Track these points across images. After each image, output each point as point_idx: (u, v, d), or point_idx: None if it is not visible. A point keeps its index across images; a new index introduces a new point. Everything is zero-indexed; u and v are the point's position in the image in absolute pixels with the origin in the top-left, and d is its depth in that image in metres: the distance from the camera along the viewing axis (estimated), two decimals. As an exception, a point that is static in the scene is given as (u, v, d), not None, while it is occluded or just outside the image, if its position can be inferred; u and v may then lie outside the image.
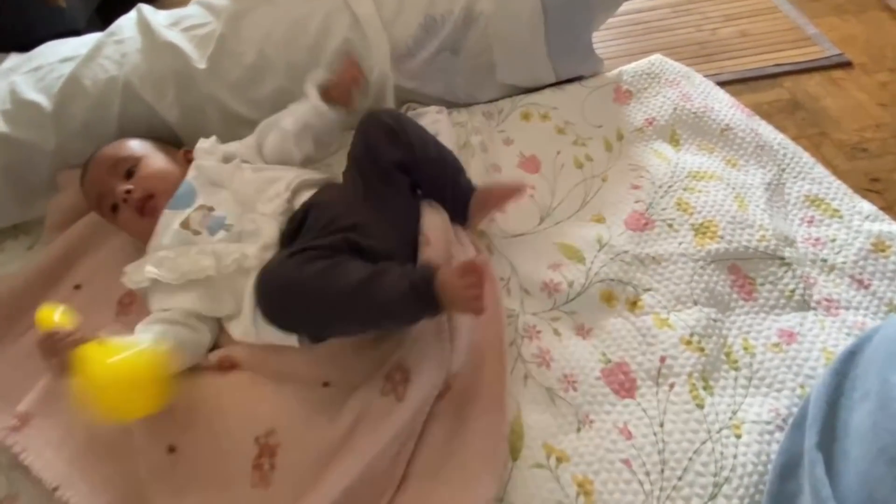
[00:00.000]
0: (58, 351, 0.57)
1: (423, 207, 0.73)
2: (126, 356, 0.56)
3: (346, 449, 0.58)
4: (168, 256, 0.67)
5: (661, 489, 0.56)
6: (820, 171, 0.81)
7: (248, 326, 0.65)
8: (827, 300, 0.68)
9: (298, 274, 0.57)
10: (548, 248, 0.75)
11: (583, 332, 0.67)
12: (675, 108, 0.89)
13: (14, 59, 0.91)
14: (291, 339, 0.64)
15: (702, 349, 0.64)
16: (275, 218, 0.68)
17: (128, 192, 0.71)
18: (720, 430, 0.58)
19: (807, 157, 0.82)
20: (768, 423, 0.58)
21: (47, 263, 0.78)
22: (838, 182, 0.79)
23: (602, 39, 1.20)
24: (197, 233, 0.69)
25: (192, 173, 0.74)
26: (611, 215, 0.77)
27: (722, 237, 0.72)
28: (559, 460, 0.58)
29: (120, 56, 0.86)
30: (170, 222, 0.70)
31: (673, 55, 0.98)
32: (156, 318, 0.65)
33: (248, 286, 0.64)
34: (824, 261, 0.72)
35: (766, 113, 0.94)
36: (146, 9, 0.92)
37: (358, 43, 0.88)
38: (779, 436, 0.57)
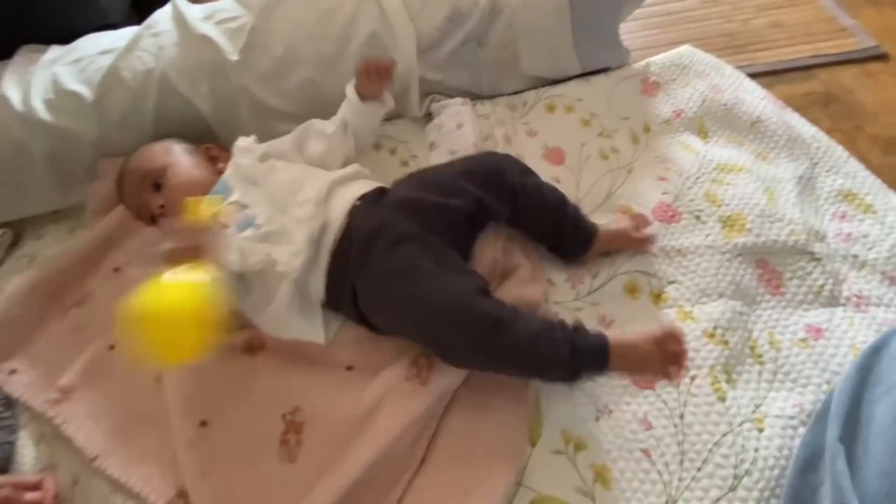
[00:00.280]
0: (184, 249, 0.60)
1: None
2: (185, 286, 0.56)
3: (369, 429, 0.59)
4: None
5: (681, 479, 0.56)
6: (854, 165, 0.79)
7: (278, 324, 0.67)
8: (857, 296, 0.67)
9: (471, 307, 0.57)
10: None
11: (605, 323, 0.68)
12: (704, 100, 0.88)
13: (55, 50, 0.95)
14: (318, 336, 0.66)
15: (725, 342, 0.63)
16: (304, 223, 0.67)
17: (161, 206, 0.74)
18: (742, 423, 0.58)
19: (840, 151, 0.80)
20: (792, 417, 0.58)
21: (89, 247, 0.82)
22: (872, 177, 0.77)
23: (630, 31, 1.18)
24: (225, 226, 0.71)
25: (229, 170, 0.75)
26: (637, 206, 0.77)
27: (750, 230, 0.71)
28: (577, 447, 0.59)
29: (157, 49, 0.89)
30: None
31: (703, 46, 0.96)
32: None
33: (282, 289, 0.64)
34: (855, 256, 0.70)
35: (799, 105, 0.92)
36: (181, 2, 0.95)
37: (385, 35, 0.89)
38: (802, 431, 0.57)
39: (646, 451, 0.57)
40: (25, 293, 0.78)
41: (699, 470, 0.56)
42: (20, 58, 0.95)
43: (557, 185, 0.81)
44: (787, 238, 0.70)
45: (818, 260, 0.69)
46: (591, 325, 0.67)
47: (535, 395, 0.62)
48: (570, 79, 0.96)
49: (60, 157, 0.89)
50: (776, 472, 0.55)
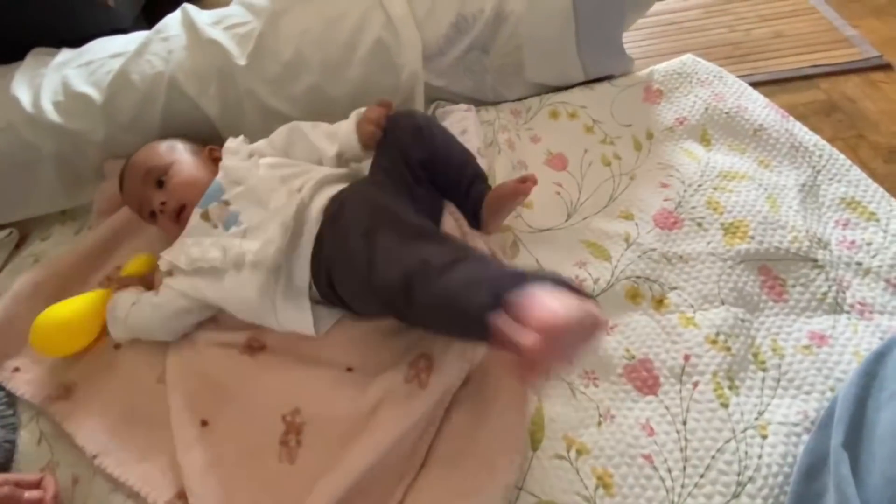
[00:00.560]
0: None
1: (447, 208, 0.74)
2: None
3: (369, 431, 0.59)
4: (186, 244, 0.71)
5: (683, 486, 0.55)
6: (856, 173, 0.79)
7: (266, 315, 0.67)
8: (861, 304, 0.67)
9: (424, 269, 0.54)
10: (574, 245, 0.75)
11: (606, 327, 0.67)
12: (706, 108, 0.89)
13: (66, 53, 0.96)
14: (307, 327, 0.66)
15: (728, 349, 0.63)
16: (278, 212, 0.67)
17: (162, 203, 0.74)
18: (745, 429, 0.58)
19: (843, 159, 0.80)
20: (796, 424, 0.57)
21: (93, 246, 0.83)
22: (875, 185, 0.77)
23: (633, 39, 1.19)
24: (215, 226, 0.71)
25: (220, 173, 0.76)
26: (639, 212, 0.77)
27: (752, 237, 0.71)
28: (579, 452, 0.58)
29: (166, 52, 0.90)
30: (195, 216, 0.72)
31: (706, 56, 0.97)
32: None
33: (257, 279, 0.65)
34: (859, 264, 0.70)
35: (802, 114, 0.93)
36: (191, 8, 0.96)
37: (391, 42, 0.90)
38: (806, 438, 0.56)
39: (648, 457, 0.57)
40: (29, 292, 0.78)
41: (702, 476, 0.56)
42: (31, 60, 0.96)
43: (560, 190, 0.82)
44: (789, 245, 0.70)
45: (821, 267, 0.69)
46: (594, 329, 0.67)
47: (536, 398, 0.62)
48: (573, 86, 0.97)
49: (68, 158, 0.90)
50: (780, 479, 0.54)
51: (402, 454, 0.58)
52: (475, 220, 0.74)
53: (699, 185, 0.78)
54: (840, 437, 0.49)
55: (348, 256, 0.62)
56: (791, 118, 0.86)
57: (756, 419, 0.58)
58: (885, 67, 1.03)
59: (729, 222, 0.73)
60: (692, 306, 0.67)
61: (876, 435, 0.47)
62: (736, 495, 0.54)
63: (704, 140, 0.87)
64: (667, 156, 0.84)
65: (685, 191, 0.78)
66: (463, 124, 0.89)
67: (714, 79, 0.93)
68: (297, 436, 0.61)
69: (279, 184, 0.71)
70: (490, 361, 0.64)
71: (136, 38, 0.95)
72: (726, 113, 0.87)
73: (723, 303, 0.67)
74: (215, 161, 0.81)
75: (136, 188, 0.78)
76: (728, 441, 0.57)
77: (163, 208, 0.74)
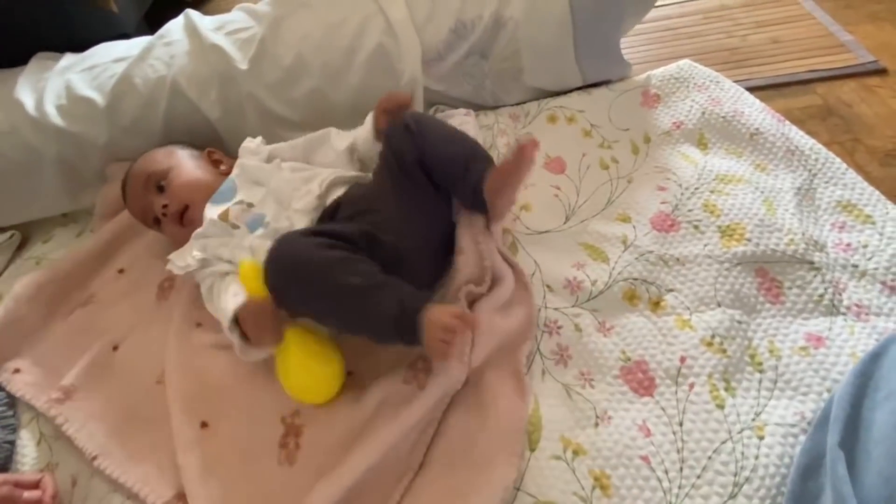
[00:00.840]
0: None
1: (460, 216, 0.73)
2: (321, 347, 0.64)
3: (368, 433, 0.59)
4: (210, 244, 0.71)
5: (680, 486, 0.55)
6: (852, 176, 0.80)
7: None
8: (857, 305, 0.67)
9: (310, 254, 0.58)
10: (572, 247, 0.76)
11: (604, 329, 0.68)
12: (703, 112, 0.89)
13: (69, 58, 0.97)
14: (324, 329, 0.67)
15: (723, 350, 0.63)
16: (307, 214, 0.70)
17: (165, 206, 0.75)
18: (741, 430, 0.58)
19: (839, 163, 0.81)
20: (793, 425, 0.58)
21: (94, 249, 0.84)
22: (871, 188, 0.78)
23: (631, 45, 1.21)
24: (235, 226, 0.72)
25: (235, 171, 0.77)
26: (636, 215, 0.78)
27: (749, 240, 0.72)
28: (576, 453, 0.58)
29: (168, 57, 0.91)
30: (209, 214, 0.73)
31: (703, 61, 0.97)
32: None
33: None
34: (855, 266, 0.71)
35: (798, 119, 0.93)
36: (193, 14, 0.97)
37: (391, 47, 0.91)
38: (803, 438, 0.56)
39: (645, 458, 0.57)
40: (31, 294, 0.79)
41: (699, 477, 0.56)
42: (34, 65, 0.97)
43: (558, 193, 0.83)
44: (786, 247, 0.71)
45: (818, 269, 0.70)
46: (591, 331, 0.68)
47: (533, 399, 0.62)
48: (571, 90, 0.98)
49: (71, 162, 0.91)
50: (777, 479, 0.54)
51: (400, 455, 0.59)
52: (477, 202, 0.69)
53: (696, 189, 0.79)
54: (836, 437, 0.49)
55: None
56: (787, 122, 0.87)
57: (753, 420, 0.59)
58: (881, 72, 1.04)
59: (725, 225, 0.74)
60: (689, 308, 0.68)
61: (872, 434, 0.48)
62: (733, 496, 0.54)
63: (701, 144, 0.87)
64: (664, 159, 0.85)
65: (682, 194, 0.79)
66: (462, 128, 0.89)
67: (711, 83, 0.94)
68: (296, 438, 0.61)
69: (302, 184, 0.73)
70: (488, 363, 0.64)
71: (139, 42, 0.96)
72: (723, 117, 0.88)
73: (719, 305, 0.67)
74: (215, 163, 0.82)
75: (138, 196, 0.78)
76: (724, 442, 0.57)
77: (165, 211, 0.75)
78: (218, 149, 0.86)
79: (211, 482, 0.60)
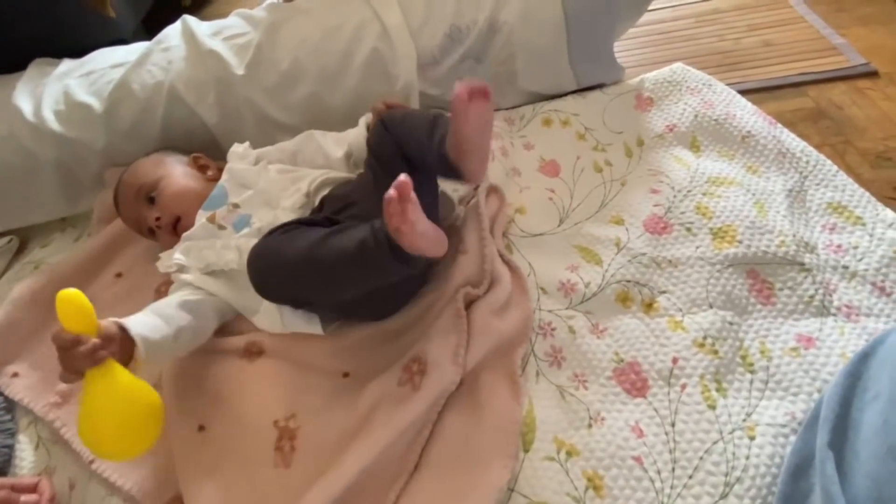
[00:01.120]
0: (76, 366, 0.52)
1: (467, 215, 0.74)
2: (130, 392, 0.54)
3: (363, 435, 0.60)
4: (195, 246, 0.72)
5: (672, 487, 0.56)
6: (843, 178, 0.80)
7: (274, 317, 0.68)
8: (847, 306, 0.68)
9: (272, 242, 0.60)
10: (566, 249, 0.77)
11: (597, 330, 0.68)
12: (696, 115, 0.90)
13: (67, 64, 0.98)
14: (316, 328, 0.67)
15: (715, 352, 0.64)
16: (294, 212, 0.71)
17: (157, 219, 0.75)
18: (732, 431, 0.58)
19: (830, 165, 0.82)
20: (783, 426, 0.58)
21: (92, 253, 0.84)
22: (861, 190, 0.78)
23: (624, 48, 1.22)
24: (222, 227, 0.72)
25: (225, 176, 0.77)
26: (630, 218, 0.78)
27: (741, 242, 0.72)
28: (569, 454, 0.59)
29: (166, 62, 0.92)
30: (200, 219, 0.74)
31: (695, 64, 0.98)
32: (174, 303, 0.65)
33: None
34: (846, 267, 0.71)
35: (790, 121, 0.94)
36: (190, 19, 0.98)
37: (386, 51, 0.91)
38: (793, 439, 0.57)
39: (638, 459, 0.58)
40: (29, 298, 0.79)
41: (690, 477, 0.56)
42: (33, 70, 0.98)
43: (553, 196, 0.84)
44: (777, 249, 0.71)
45: (808, 270, 0.70)
46: (584, 333, 0.68)
47: (528, 401, 0.63)
48: (566, 94, 0.98)
49: (69, 166, 0.91)
50: (767, 479, 0.55)
51: (395, 457, 0.59)
52: (447, 169, 0.62)
53: (689, 191, 0.80)
54: (825, 437, 0.50)
55: None
56: (778, 125, 0.88)
57: (744, 420, 0.59)
58: (872, 75, 1.05)
59: (717, 227, 0.74)
60: (681, 310, 0.68)
61: (860, 434, 0.48)
62: (724, 496, 0.54)
63: (694, 147, 0.88)
64: (657, 162, 0.86)
65: (675, 196, 0.79)
66: (457, 132, 0.90)
67: (703, 87, 0.95)
68: (291, 441, 0.62)
69: (290, 184, 0.74)
70: (483, 365, 0.65)
71: (137, 48, 0.96)
72: (715, 120, 0.89)
73: (711, 306, 0.68)
74: (202, 169, 0.83)
75: (130, 208, 0.79)
76: (716, 442, 0.58)
77: (159, 224, 0.76)
78: (215, 154, 0.86)
79: (208, 486, 0.60)
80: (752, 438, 0.58)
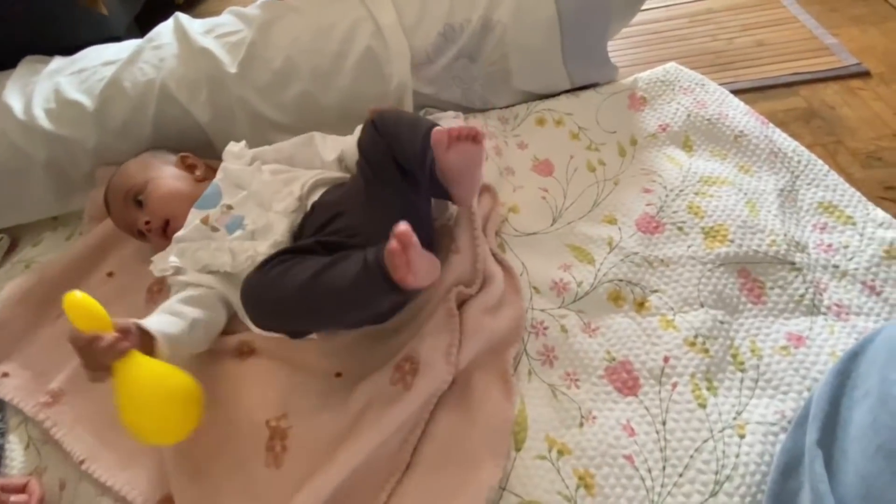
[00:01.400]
0: (101, 362, 0.52)
1: (460, 214, 0.74)
2: (167, 378, 0.55)
3: (355, 434, 0.60)
4: (189, 248, 0.71)
5: (663, 485, 0.56)
6: (834, 178, 0.81)
7: None
8: (837, 305, 0.68)
9: (265, 278, 0.59)
10: (559, 249, 0.77)
11: (589, 329, 0.69)
12: (688, 115, 0.90)
13: (58, 61, 0.97)
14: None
15: (706, 350, 0.64)
16: (286, 215, 0.71)
17: (147, 222, 0.75)
18: (723, 429, 0.59)
19: (821, 165, 0.82)
20: (773, 424, 0.58)
21: (83, 252, 0.84)
22: (852, 189, 0.79)
23: (618, 48, 1.22)
24: (215, 229, 0.72)
25: (219, 175, 0.77)
26: (622, 217, 0.78)
27: (732, 241, 0.73)
28: (560, 453, 0.59)
29: (158, 60, 0.91)
30: (193, 219, 0.73)
31: (688, 64, 0.99)
32: (180, 299, 0.67)
33: None
34: (836, 267, 0.72)
35: (782, 121, 0.95)
36: (183, 17, 0.98)
37: (380, 50, 0.91)
38: (783, 437, 0.57)
39: (629, 457, 0.58)
40: (19, 297, 0.79)
41: (681, 476, 0.56)
42: (23, 68, 0.97)
43: (546, 195, 0.84)
44: (768, 248, 0.72)
45: (799, 270, 0.71)
46: (576, 332, 0.69)
47: (520, 400, 0.63)
48: (559, 93, 0.99)
49: (60, 165, 0.91)
50: (757, 477, 0.55)
51: (387, 456, 0.59)
52: (436, 189, 0.66)
53: (681, 191, 0.80)
54: (815, 435, 0.50)
55: None
56: (770, 125, 0.88)
57: (734, 419, 0.60)
58: (864, 75, 1.05)
59: (709, 226, 0.75)
60: (672, 309, 0.69)
61: (849, 433, 0.48)
62: (714, 494, 0.55)
63: (687, 146, 0.88)
64: (650, 162, 0.86)
65: (667, 196, 0.80)
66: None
67: (696, 86, 0.95)
68: (282, 441, 0.62)
69: (282, 186, 0.73)
70: (475, 364, 0.65)
71: (129, 46, 0.96)
72: (708, 120, 0.89)
73: (702, 305, 0.68)
74: (190, 168, 0.82)
75: (119, 211, 0.79)
76: (706, 441, 0.58)
77: (148, 227, 0.75)
78: (208, 153, 0.86)
79: (198, 486, 0.60)
80: (742, 437, 0.58)
